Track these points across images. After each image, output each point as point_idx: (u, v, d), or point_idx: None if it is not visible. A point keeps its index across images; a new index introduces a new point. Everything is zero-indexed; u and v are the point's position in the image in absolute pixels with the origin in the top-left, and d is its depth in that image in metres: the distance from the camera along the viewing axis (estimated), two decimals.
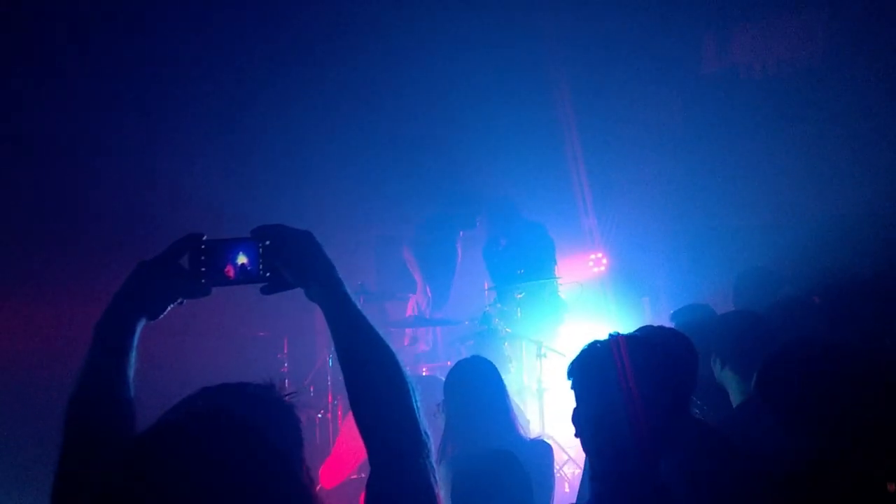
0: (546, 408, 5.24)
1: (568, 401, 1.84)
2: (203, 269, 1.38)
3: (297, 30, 6.10)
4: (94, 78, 5.32)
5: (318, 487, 2.74)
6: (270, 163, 6.72)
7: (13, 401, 4.51)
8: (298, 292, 1.41)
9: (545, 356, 5.40)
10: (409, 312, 6.57)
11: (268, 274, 1.41)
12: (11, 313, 4.96)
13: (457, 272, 6.73)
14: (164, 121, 5.61)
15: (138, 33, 5.37)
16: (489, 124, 6.67)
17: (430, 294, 6.59)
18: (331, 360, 5.57)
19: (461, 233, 6.74)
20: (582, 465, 2.86)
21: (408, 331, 6.46)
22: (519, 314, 5.77)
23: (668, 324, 3.00)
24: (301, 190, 7.28)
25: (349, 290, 1.37)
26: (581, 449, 1.83)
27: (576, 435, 1.80)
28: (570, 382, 1.83)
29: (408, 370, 1.33)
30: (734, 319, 2.87)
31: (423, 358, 6.30)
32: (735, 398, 2.68)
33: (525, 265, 5.94)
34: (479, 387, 3.00)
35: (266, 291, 1.44)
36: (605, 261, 6.86)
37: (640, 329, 1.94)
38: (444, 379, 3.19)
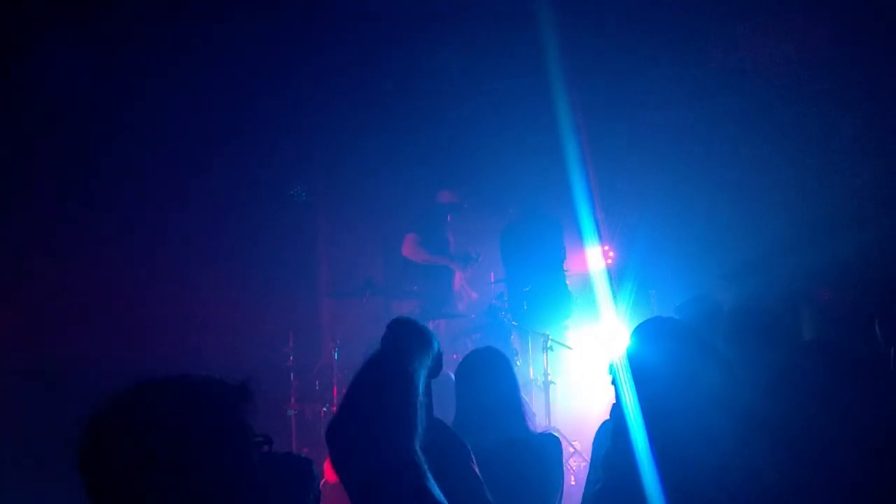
0: (552, 401, 5.24)
1: (573, 395, 1.84)
2: None
3: (314, 27, 6.07)
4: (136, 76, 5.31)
5: (322, 482, 2.72)
6: (280, 158, 6.73)
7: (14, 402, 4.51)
8: (304, 285, 1.36)
9: (551, 349, 5.40)
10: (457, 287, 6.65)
11: None
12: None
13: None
14: (176, 109, 5.58)
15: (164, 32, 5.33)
16: (498, 120, 6.65)
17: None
18: (336, 354, 5.56)
19: (448, 217, 6.67)
20: (588, 458, 2.86)
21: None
22: (525, 307, 5.77)
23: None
24: (311, 184, 7.28)
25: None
26: (587, 442, 1.84)
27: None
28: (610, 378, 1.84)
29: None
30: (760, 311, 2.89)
31: None
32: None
33: (537, 258, 5.93)
34: (492, 378, 2.93)
35: None
36: (612, 254, 6.85)
37: (648, 321, 1.95)
38: (450, 373, 3.15)
